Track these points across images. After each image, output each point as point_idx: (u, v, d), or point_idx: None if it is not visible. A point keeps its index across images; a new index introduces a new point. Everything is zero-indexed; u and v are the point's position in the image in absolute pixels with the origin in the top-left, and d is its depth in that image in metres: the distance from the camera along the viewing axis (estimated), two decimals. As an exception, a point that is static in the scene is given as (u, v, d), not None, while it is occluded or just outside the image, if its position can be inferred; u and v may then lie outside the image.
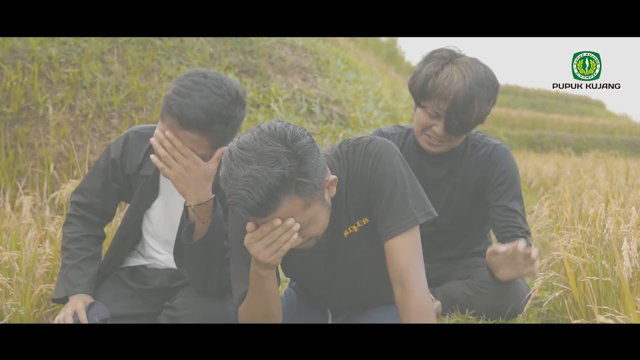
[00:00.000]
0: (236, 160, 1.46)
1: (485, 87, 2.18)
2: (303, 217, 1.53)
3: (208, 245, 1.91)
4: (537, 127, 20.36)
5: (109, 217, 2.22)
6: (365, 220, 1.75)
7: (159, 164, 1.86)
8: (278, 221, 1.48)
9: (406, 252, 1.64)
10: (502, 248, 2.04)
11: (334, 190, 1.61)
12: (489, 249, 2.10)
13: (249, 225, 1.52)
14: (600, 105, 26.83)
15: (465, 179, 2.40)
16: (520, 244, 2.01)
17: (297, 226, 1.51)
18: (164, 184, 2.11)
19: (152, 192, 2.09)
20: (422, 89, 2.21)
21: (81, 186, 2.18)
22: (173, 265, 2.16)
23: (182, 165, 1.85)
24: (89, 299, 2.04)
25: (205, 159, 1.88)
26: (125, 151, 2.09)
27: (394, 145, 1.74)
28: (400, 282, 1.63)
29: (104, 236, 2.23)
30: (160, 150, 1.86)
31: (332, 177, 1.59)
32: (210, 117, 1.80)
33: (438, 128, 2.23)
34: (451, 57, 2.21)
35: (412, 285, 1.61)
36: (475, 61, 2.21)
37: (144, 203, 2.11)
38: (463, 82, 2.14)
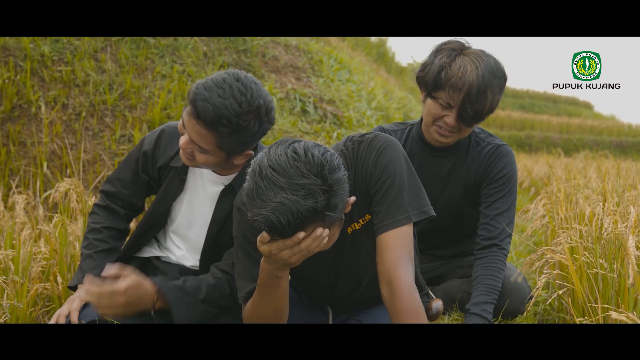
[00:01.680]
0: (266, 181, 1.43)
1: (497, 77, 2.22)
2: None
3: (185, 312, 1.91)
4: (526, 127, 20.49)
5: (136, 210, 2.21)
6: (368, 217, 1.75)
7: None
8: (302, 234, 1.47)
9: (395, 248, 1.63)
10: None
11: (349, 208, 1.59)
12: None
13: (265, 236, 1.50)
14: (588, 106, 27.04)
15: (468, 176, 2.41)
16: None
17: (326, 232, 1.50)
18: (191, 178, 2.12)
19: (180, 185, 2.10)
20: (434, 80, 2.24)
21: (111, 176, 2.20)
22: (185, 262, 2.17)
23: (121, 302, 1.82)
24: None
25: (211, 156, 1.89)
26: (159, 145, 2.11)
27: (398, 142, 1.74)
28: (386, 280, 1.61)
29: (127, 230, 2.22)
30: None
31: (352, 199, 1.57)
32: (217, 118, 1.79)
33: (450, 119, 2.26)
34: (461, 49, 2.25)
35: (399, 284, 1.59)
36: (483, 52, 2.25)
37: (171, 195, 2.12)
38: (476, 73, 2.17)
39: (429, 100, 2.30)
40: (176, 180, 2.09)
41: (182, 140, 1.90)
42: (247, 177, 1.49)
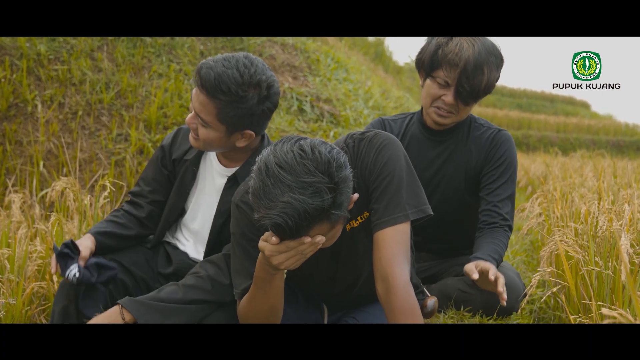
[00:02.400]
0: (273, 179, 1.43)
1: (493, 55, 2.27)
2: (325, 235, 1.54)
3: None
4: (523, 127, 20.50)
5: (160, 206, 2.24)
6: (366, 214, 1.75)
7: None
8: (308, 239, 1.48)
9: (392, 245, 1.63)
10: (475, 275, 1.98)
11: (352, 205, 1.60)
12: (466, 268, 2.04)
13: (274, 239, 1.50)
14: (585, 105, 27.07)
15: (468, 161, 2.43)
16: (492, 274, 1.94)
17: (323, 239, 1.51)
18: (202, 171, 2.17)
19: (192, 179, 2.16)
20: (432, 59, 2.29)
21: (139, 178, 2.28)
22: (190, 253, 2.21)
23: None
24: (88, 241, 2.07)
25: (212, 130, 1.94)
26: (175, 140, 2.21)
27: (398, 140, 1.75)
28: (382, 277, 1.61)
29: (145, 222, 2.23)
30: None
31: (355, 196, 1.58)
32: (217, 84, 1.86)
33: (448, 97, 2.30)
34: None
35: (394, 281, 1.59)
36: (480, 37, 2.29)
37: (184, 189, 2.17)
38: (473, 50, 2.23)
39: (427, 81, 2.34)
40: (189, 174, 2.16)
41: (188, 116, 1.98)
42: (252, 175, 1.49)
